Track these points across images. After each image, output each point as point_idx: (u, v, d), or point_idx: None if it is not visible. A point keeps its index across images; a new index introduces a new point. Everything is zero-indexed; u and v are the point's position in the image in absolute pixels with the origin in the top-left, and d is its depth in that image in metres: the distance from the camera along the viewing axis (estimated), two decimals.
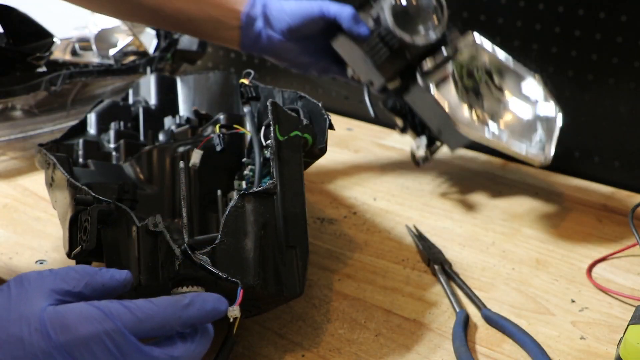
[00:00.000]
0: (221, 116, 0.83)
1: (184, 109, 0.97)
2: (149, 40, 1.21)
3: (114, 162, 0.84)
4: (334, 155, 1.13)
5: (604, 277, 0.81)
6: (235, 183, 0.78)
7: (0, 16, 0.97)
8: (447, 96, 0.89)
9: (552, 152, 0.85)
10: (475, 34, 0.90)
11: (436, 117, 0.92)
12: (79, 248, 0.64)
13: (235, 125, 0.81)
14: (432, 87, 0.88)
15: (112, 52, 1.18)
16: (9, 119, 1.06)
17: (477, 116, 0.90)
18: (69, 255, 0.66)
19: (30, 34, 1.01)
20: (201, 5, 0.93)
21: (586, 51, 1.00)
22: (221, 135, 0.79)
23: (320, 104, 0.74)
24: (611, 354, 0.68)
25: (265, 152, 0.74)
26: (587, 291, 0.78)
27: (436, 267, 0.80)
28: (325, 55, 0.98)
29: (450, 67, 0.90)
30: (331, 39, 0.96)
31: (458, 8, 1.09)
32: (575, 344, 0.69)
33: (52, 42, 1.05)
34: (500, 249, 0.87)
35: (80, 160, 0.83)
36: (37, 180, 0.99)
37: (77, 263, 0.66)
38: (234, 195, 0.76)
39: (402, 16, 0.91)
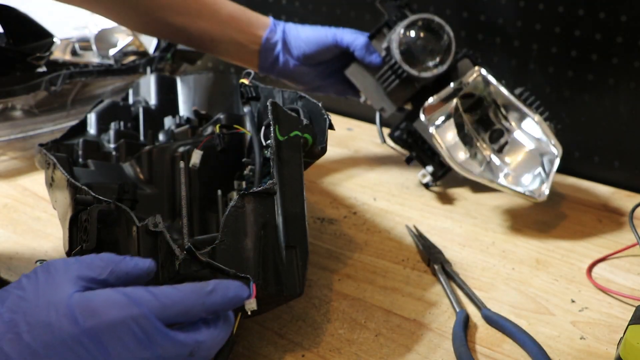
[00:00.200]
0: (221, 116, 0.83)
1: (184, 109, 0.97)
2: (149, 40, 1.21)
3: (114, 162, 0.84)
4: (334, 155, 1.13)
5: (604, 277, 0.81)
6: (235, 183, 0.78)
7: (0, 16, 0.97)
8: (445, 135, 0.92)
9: (548, 190, 0.87)
10: (482, 69, 0.92)
11: None
12: (79, 248, 0.64)
13: (235, 125, 0.81)
14: (432, 128, 0.91)
15: (112, 52, 1.18)
16: (9, 119, 1.06)
17: (478, 151, 0.93)
18: (68, 255, 0.66)
19: (30, 34, 1.01)
20: (225, 28, 0.98)
21: (586, 51, 1.00)
22: (221, 135, 0.79)
23: (320, 104, 0.74)
24: (611, 354, 0.68)
25: (265, 152, 0.74)
26: (587, 291, 0.78)
27: (436, 267, 0.80)
28: (339, 79, 1.03)
29: (454, 102, 0.92)
30: (345, 65, 1.01)
31: (458, 8, 1.09)
32: (575, 344, 0.69)
33: (52, 42, 1.05)
34: (500, 249, 0.87)
35: (80, 160, 0.83)
36: (37, 180, 0.99)
37: None
38: (234, 195, 0.76)
39: (413, 48, 0.96)
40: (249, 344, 0.68)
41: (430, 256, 0.82)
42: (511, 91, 0.93)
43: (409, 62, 0.96)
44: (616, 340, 0.68)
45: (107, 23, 1.19)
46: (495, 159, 0.93)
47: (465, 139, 0.94)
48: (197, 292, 0.52)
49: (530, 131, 0.91)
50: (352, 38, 0.98)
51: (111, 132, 0.89)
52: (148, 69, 1.15)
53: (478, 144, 0.94)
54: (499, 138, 0.94)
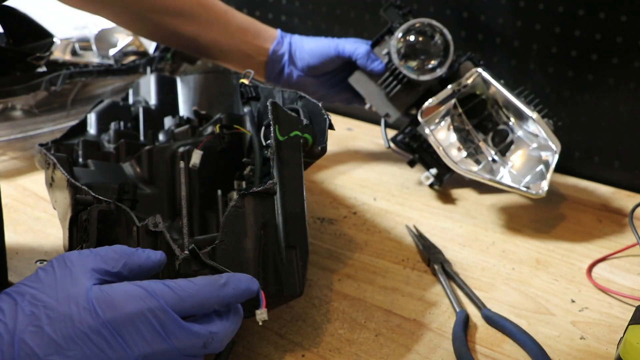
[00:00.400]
0: (221, 116, 0.83)
1: (184, 109, 0.97)
2: (149, 40, 1.21)
3: (114, 162, 0.84)
4: (334, 155, 1.13)
5: (604, 277, 0.81)
6: (235, 183, 0.78)
7: (0, 16, 0.97)
8: (442, 135, 0.93)
9: (547, 186, 0.87)
10: (480, 69, 0.93)
11: None
12: (79, 248, 0.64)
13: (235, 125, 0.81)
14: (427, 130, 0.92)
15: (112, 52, 1.18)
16: (9, 119, 1.06)
17: (480, 150, 0.94)
18: None
19: (30, 34, 1.01)
20: (234, 39, 1.01)
21: (586, 51, 1.00)
22: (221, 135, 0.79)
23: (320, 104, 0.74)
24: (611, 354, 0.68)
25: (265, 152, 0.74)
26: (587, 291, 0.78)
27: (436, 267, 0.80)
28: (344, 88, 1.06)
29: (452, 103, 0.93)
30: (349, 75, 1.03)
31: (458, 8, 1.09)
32: (575, 344, 0.69)
33: (52, 42, 1.05)
34: (500, 249, 0.87)
35: (80, 160, 0.83)
36: (37, 180, 0.99)
37: None
38: (234, 195, 0.76)
39: (411, 52, 0.98)
40: (249, 344, 0.68)
41: (430, 256, 0.82)
42: (510, 90, 0.93)
43: (409, 65, 0.98)
44: (616, 340, 0.68)
45: (107, 23, 1.19)
46: (497, 158, 0.93)
47: (466, 139, 0.94)
48: (212, 285, 0.54)
49: (531, 129, 0.92)
50: (354, 47, 1.00)
51: (111, 132, 0.89)
52: (148, 69, 1.15)
53: (480, 144, 0.94)
54: (504, 138, 0.94)
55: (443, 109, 0.93)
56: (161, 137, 0.90)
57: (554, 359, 0.67)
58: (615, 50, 0.98)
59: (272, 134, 0.68)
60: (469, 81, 0.93)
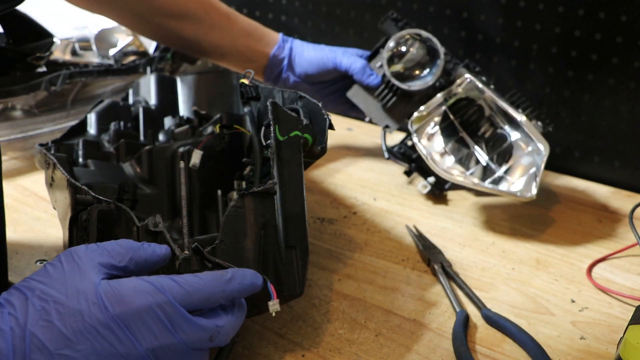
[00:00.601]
0: (221, 116, 0.83)
1: (184, 109, 0.97)
2: (149, 40, 1.21)
3: (114, 162, 0.84)
4: (334, 155, 1.13)
5: (604, 277, 0.81)
6: (235, 183, 0.78)
7: (0, 16, 0.97)
8: (432, 143, 0.94)
9: (536, 188, 0.88)
10: (469, 75, 0.94)
11: None
12: None
13: (235, 125, 0.80)
14: (415, 138, 0.93)
15: (112, 52, 1.18)
16: (9, 119, 1.06)
17: (473, 156, 0.95)
18: None
19: (30, 34, 1.01)
20: (236, 44, 1.03)
21: (586, 51, 1.00)
22: (221, 135, 0.79)
23: (320, 104, 0.74)
24: (611, 354, 0.68)
25: (265, 152, 0.74)
26: (587, 291, 0.78)
27: (436, 267, 0.80)
28: (339, 98, 1.07)
29: (441, 110, 0.95)
30: (346, 86, 1.05)
31: (458, 8, 1.09)
32: (575, 344, 0.69)
33: (52, 42, 1.05)
34: (500, 249, 0.87)
35: (80, 160, 0.83)
36: (37, 180, 0.99)
37: None
38: (234, 195, 0.76)
39: (402, 62, 1.00)
40: (249, 344, 0.68)
41: (430, 256, 0.82)
42: (500, 95, 0.94)
43: (399, 77, 0.99)
44: (616, 340, 0.68)
45: (107, 23, 1.19)
46: (491, 164, 0.94)
47: (460, 146, 0.95)
48: (218, 280, 0.55)
49: (522, 132, 0.92)
50: (350, 62, 1.02)
51: (111, 132, 0.89)
52: (148, 69, 1.15)
53: (474, 150, 0.95)
54: (502, 143, 0.94)
55: (432, 116, 0.95)
56: (161, 137, 0.90)
57: (554, 359, 0.67)
58: (615, 50, 0.98)
59: (272, 134, 0.68)
60: (460, 88, 0.94)
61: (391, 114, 1.03)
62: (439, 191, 0.99)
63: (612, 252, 0.85)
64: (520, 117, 0.90)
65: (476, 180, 0.91)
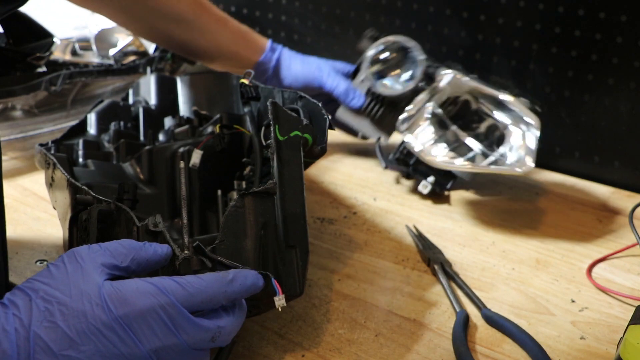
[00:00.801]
0: (221, 116, 0.83)
1: (184, 109, 0.97)
2: None
3: (114, 162, 0.84)
4: (333, 156, 1.13)
5: (604, 277, 0.81)
6: (235, 183, 0.78)
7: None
8: (422, 140, 0.95)
9: (533, 162, 0.88)
10: (449, 70, 0.96)
11: None
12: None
13: (235, 125, 0.80)
14: (406, 137, 0.95)
15: (112, 52, 1.18)
16: (9, 119, 1.06)
17: (465, 145, 0.96)
18: None
19: (30, 34, 1.01)
20: (223, 49, 1.05)
21: (586, 51, 1.00)
22: (221, 135, 0.79)
23: (320, 104, 0.74)
24: (611, 354, 0.68)
25: (266, 152, 0.74)
26: (587, 291, 0.78)
27: (436, 267, 0.80)
28: (330, 112, 1.06)
29: (429, 107, 0.96)
30: (327, 100, 1.06)
31: (458, 8, 1.09)
32: (575, 344, 0.69)
33: (52, 42, 1.05)
34: (500, 249, 0.87)
35: (80, 160, 0.83)
36: (37, 180, 0.99)
37: None
38: (234, 195, 0.76)
39: (380, 71, 1.03)
40: (249, 344, 0.68)
41: (430, 256, 0.82)
42: (482, 81, 0.95)
43: (381, 82, 1.02)
44: (616, 340, 0.68)
45: (107, 23, 1.19)
46: (486, 150, 0.94)
47: (452, 139, 0.96)
48: (219, 281, 0.55)
49: (512, 114, 0.92)
50: (335, 84, 1.04)
51: (111, 132, 0.88)
52: (148, 69, 1.15)
53: (466, 140, 0.95)
54: (494, 132, 0.95)
55: (420, 114, 0.96)
56: (161, 137, 0.90)
57: (554, 359, 0.67)
58: (615, 50, 0.98)
59: (272, 134, 0.68)
60: (441, 83, 0.96)
61: (381, 125, 1.05)
62: (441, 190, 0.99)
63: (612, 252, 0.85)
64: (505, 97, 0.91)
65: (468, 163, 0.92)
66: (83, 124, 0.93)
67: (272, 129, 0.68)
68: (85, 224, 0.63)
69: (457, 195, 1.00)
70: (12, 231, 0.87)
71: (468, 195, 1.00)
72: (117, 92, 1.14)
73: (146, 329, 0.52)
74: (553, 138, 1.07)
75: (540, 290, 0.78)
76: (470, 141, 0.95)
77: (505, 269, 0.82)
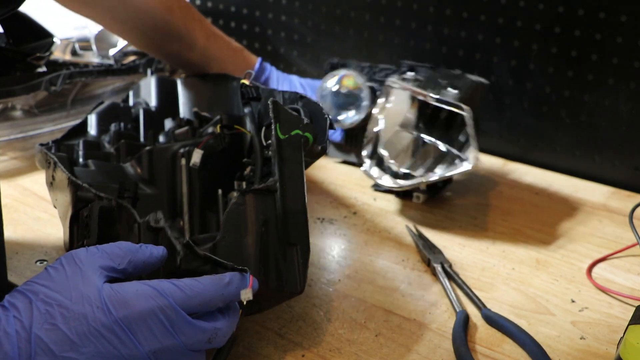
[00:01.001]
0: (221, 117, 0.82)
1: (184, 112, 0.97)
2: None
3: (114, 162, 0.84)
4: (334, 156, 1.13)
5: (604, 277, 0.81)
6: (236, 184, 0.78)
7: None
8: (366, 159, 0.98)
9: (474, 153, 0.89)
10: (387, 82, 0.97)
11: None
12: (79, 243, 0.64)
13: (235, 126, 0.81)
14: (366, 165, 0.97)
15: (112, 52, 1.18)
16: (9, 119, 1.06)
17: (430, 148, 0.96)
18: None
19: (30, 34, 1.01)
20: (211, 67, 1.04)
21: (586, 51, 1.00)
22: (222, 135, 0.79)
23: (320, 104, 0.74)
24: (611, 354, 0.68)
25: (266, 152, 0.74)
26: (587, 291, 0.78)
27: (436, 267, 0.80)
28: None
29: (381, 126, 0.98)
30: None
31: (458, 9, 1.09)
32: (575, 344, 0.69)
33: (52, 42, 1.05)
34: (500, 249, 0.87)
35: (81, 160, 0.83)
36: (37, 180, 0.99)
37: None
38: (235, 195, 0.76)
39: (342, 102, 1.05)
40: (249, 344, 0.68)
41: (430, 256, 0.82)
42: (417, 84, 0.95)
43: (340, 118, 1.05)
44: (616, 340, 0.68)
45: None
46: (452, 149, 0.93)
47: (419, 145, 0.97)
48: (217, 284, 0.56)
49: (445, 102, 0.92)
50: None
51: (111, 133, 0.88)
52: (149, 71, 1.15)
53: (432, 143, 0.95)
54: (457, 125, 0.94)
55: (377, 134, 0.97)
56: (161, 138, 0.90)
57: (554, 359, 0.67)
58: (615, 50, 0.98)
59: (272, 132, 0.68)
60: (387, 99, 0.98)
61: (357, 155, 1.06)
62: (434, 195, 0.99)
63: (612, 252, 0.85)
64: (430, 93, 0.91)
65: (428, 174, 0.92)
66: (83, 125, 0.93)
67: (273, 127, 0.68)
68: (87, 221, 0.63)
69: (456, 195, 1.00)
70: (12, 231, 0.87)
71: (468, 195, 1.00)
72: (117, 92, 1.14)
73: (146, 330, 0.53)
74: (553, 138, 1.07)
75: (540, 290, 0.78)
76: (436, 143, 0.95)
77: (505, 269, 0.82)
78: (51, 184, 0.75)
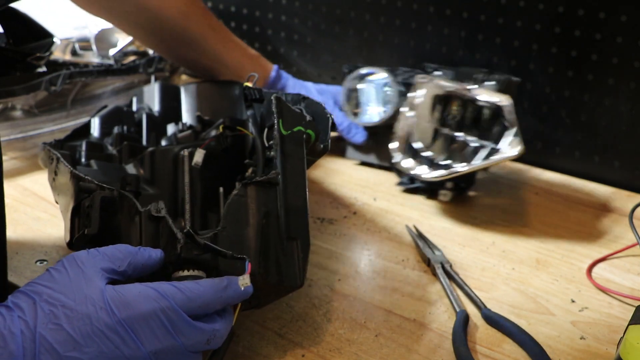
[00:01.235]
0: (224, 120, 0.83)
1: (187, 118, 0.97)
2: None
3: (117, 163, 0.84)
4: (334, 155, 1.13)
5: (604, 277, 0.81)
6: (237, 185, 0.78)
7: (0, 16, 0.97)
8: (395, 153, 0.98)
9: (519, 143, 0.88)
10: (418, 77, 0.97)
11: None
12: (80, 233, 0.64)
13: (238, 127, 0.81)
14: (395, 159, 0.97)
15: (112, 52, 1.18)
16: (9, 119, 1.06)
17: (461, 143, 0.95)
18: (69, 244, 0.67)
19: (30, 34, 1.01)
20: (226, 73, 1.06)
21: (586, 51, 1.00)
22: (224, 135, 0.79)
23: (323, 104, 0.74)
24: (611, 354, 0.68)
25: (268, 153, 0.74)
26: (587, 291, 0.78)
27: (436, 267, 0.80)
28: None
29: (413, 122, 0.97)
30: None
31: (458, 8, 1.09)
32: (575, 344, 0.69)
33: (52, 42, 1.05)
34: (500, 249, 0.87)
35: (83, 160, 0.83)
36: (37, 180, 0.99)
37: (76, 250, 0.66)
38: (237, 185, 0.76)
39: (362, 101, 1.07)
40: (249, 344, 0.68)
41: (430, 256, 0.82)
42: (448, 79, 0.96)
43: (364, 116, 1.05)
44: (616, 340, 0.68)
45: (107, 23, 1.19)
46: (484, 142, 0.93)
47: (449, 141, 0.96)
48: (216, 287, 0.58)
49: (483, 97, 0.92)
50: (338, 122, 1.05)
51: (114, 136, 0.88)
52: (152, 77, 1.15)
53: (462, 138, 0.95)
54: (491, 127, 0.94)
55: (409, 131, 0.97)
56: (164, 142, 0.90)
57: (554, 359, 0.67)
58: (615, 50, 0.98)
59: (275, 128, 0.68)
60: (417, 93, 0.96)
61: (381, 154, 1.06)
62: (461, 193, 0.98)
63: (612, 252, 0.85)
64: (469, 86, 0.91)
65: (469, 164, 0.91)
66: (86, 127, 0.93)
67: (275, 123, 0.68)
68: (88, 210, 0.64)
69: (457, 195, 1.00)
70: (12, 231, 0.87)
71: (468, 195, 1.00)
72: (117, 92, 1.15)
73: (147, 331, 0.54)
74: (553, 138, 1.07)
75: (540, 290, 0.78)
76: (467, 138, 0.94)
77: (505, 269, 0.82)
78: (54, 179, 0.76)
